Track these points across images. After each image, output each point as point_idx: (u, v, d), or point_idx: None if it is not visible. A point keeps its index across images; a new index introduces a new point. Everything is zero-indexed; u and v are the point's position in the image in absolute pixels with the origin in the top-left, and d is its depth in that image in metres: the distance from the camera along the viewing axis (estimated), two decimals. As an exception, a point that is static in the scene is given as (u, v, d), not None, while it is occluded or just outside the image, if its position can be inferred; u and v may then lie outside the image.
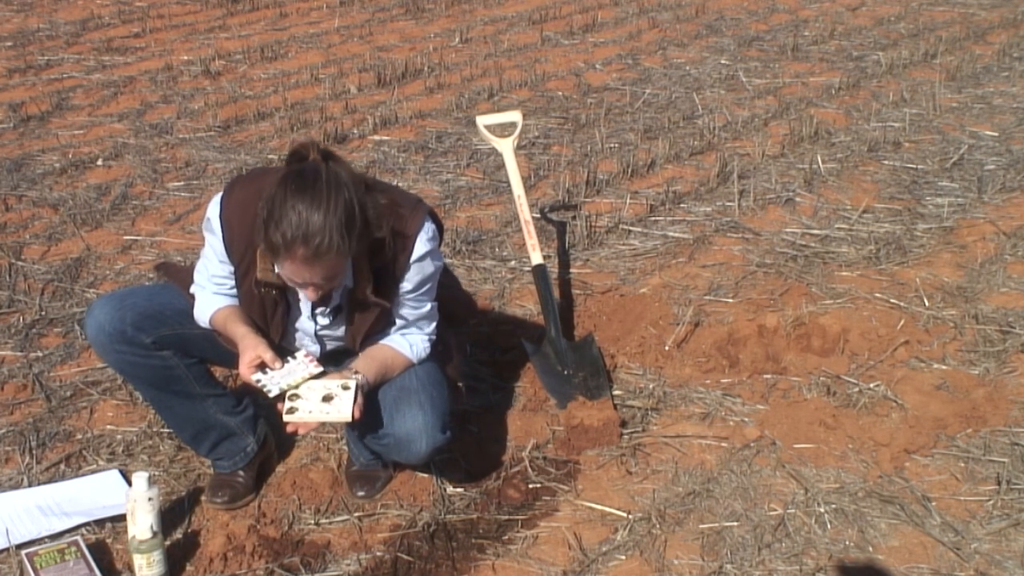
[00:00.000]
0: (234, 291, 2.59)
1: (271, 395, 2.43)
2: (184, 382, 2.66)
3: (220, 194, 2.50)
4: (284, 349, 2.74)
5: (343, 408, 2.38)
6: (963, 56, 7.11)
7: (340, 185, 2.26)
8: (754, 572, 2.65)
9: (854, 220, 4.60)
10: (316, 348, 2.69)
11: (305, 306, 2.58)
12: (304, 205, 2.21)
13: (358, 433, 2.72)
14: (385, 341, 2.64)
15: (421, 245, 2.51)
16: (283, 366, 2.46)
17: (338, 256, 2.27)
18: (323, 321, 2.60)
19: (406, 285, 2.54)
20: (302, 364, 2.48)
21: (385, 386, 2.61)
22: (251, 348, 2.45)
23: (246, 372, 2.44)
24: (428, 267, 2.56)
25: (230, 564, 2.62)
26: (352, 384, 2.42)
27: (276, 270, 2.43)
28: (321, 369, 2.48)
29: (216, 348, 2.66)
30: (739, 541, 2.74)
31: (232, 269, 2.54)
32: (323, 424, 2.45)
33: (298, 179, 2.25)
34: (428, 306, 2.66)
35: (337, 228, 2.22)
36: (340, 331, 2.64)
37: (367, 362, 2.56)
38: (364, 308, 2.54)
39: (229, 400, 2.82)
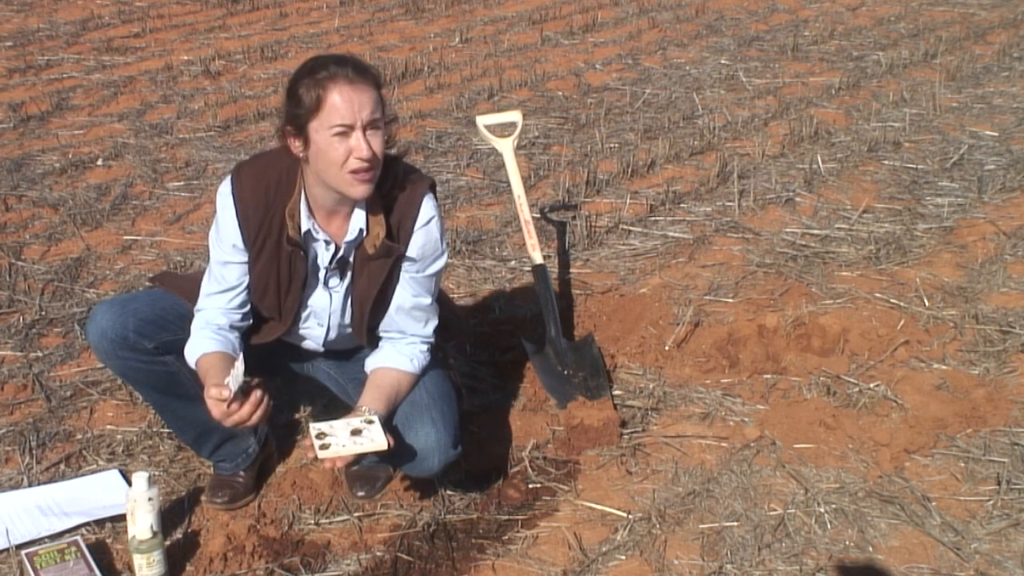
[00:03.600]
0: (239, 304, 2.60)
1: (232, 390, 2.38)
2: (186, 386, 2.66)
3: (228, 176, 2.57)
4: (291, 346, 2.75)
5: (376, 438, 2.39)
6: (963, 56, 7.11)
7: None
8: (754, 572, 2.65)
9: (854, 220, 4.60)
10: (321, 333, 2.70)
11: (322, 271, 2.59)
12: (330, 56, 2.42)
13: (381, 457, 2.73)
14: (385, 362, 2.65)
15: (426, 210, 2.56)
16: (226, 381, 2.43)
17: (375, 87, 2.39)
18: (334, 284, 2.61)
19: (410, 253, 2.58)
20: (236, 367, 2.43)
21: None
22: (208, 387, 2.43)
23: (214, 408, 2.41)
24: (433, 233, 2.58)
25: (230, 564, 2.62)
26: (374, 417, 2.44)
27: (303, 226, 2.49)
28: (242, 365, 2.43)
29: None
30: (739, 541, 2.74)
31: (244, 259, 2.56)
32: (357, 456, 2.45)
33: (313, 57, 2.46)
34: (428, 299, 2.66)
35: (365, 64, 2.42)
36: (348, 313, 2.65)
37: (374, 394, 2.56)
38: (373, 266, 2.56)
39: (231, 402, 2.82)
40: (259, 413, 2.40)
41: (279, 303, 2.60)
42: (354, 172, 2.38)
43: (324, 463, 2.42)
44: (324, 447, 2.38)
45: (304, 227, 2.51)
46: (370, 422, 2.43)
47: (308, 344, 2.76)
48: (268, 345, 2.80)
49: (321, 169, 2.41)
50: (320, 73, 2.34)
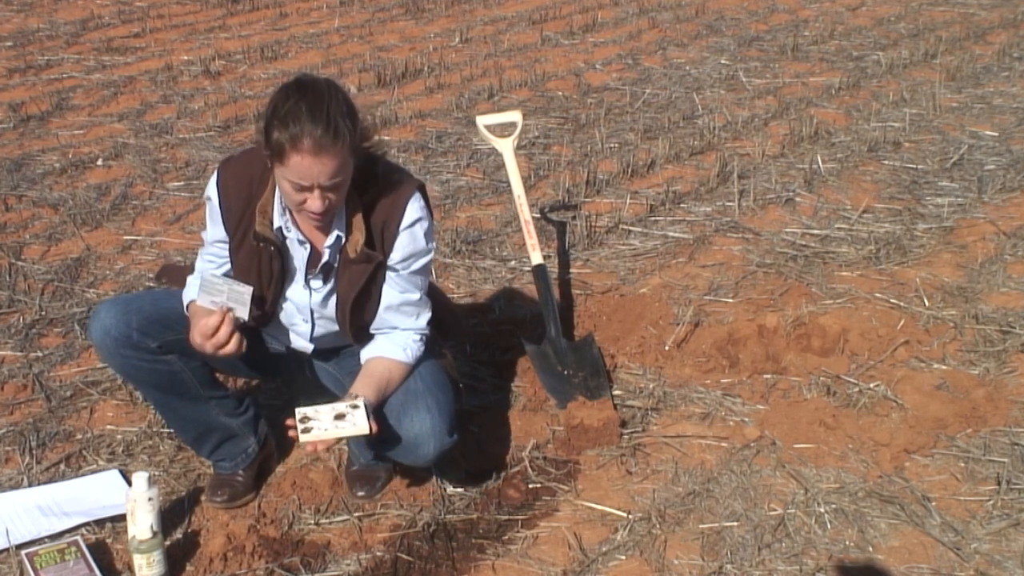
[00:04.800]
0: (225, 265, 2.64)
1: (212, 301, 2.48)
2: (188, 385, 2.67)
3: (217, 169, 2.60)
4: (288, 347, 2.75)
5: (359, 422, 2.39)
6: (963, 56, 7.11)
7: (337, 86, 2.40)
8: (754, 572, 2.65)
9: (854, 220, 4.60)
10: (307, 329, 2.70)
11: (299, 271, 2.59)
12: (307, 101, 2.30)
13: (371, 443, 2.72)
14: (378, 352, 2.64)
15: (412, 212, 2.54)
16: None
17: (344, 148, 2.32)
18: (316, 285, 2.61)
19: (394, 255, 2.56)
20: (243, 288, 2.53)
21: None
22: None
23: (197, 339, 2.49)
24: (419, 235, 2.57)
25: (230, 564, 2.62)
26: (360, 402, 2.44)
27: (275, 222, 2.50)
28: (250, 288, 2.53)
29: None
30: (739, 541, 2.74)
31: (226, 247, 2.59)
32: (339, 440, 2.45)
33: (297, 83, 2.38)
34: (416, 295, 2.65)
35: (341, 115, 2.31)
36: (331, 307, 2.64)
37: (365, 382, 2.56)
38: (354, 269, 2.55)
39: (231, 402, 2.83)
40: (235, 340, 2.47)
41: (260, 293, 2.61)
42: (307, 214, 2.42)
43: (306, 447, 2.42)
44: (306, 431, 2.37)
45: (276, 223, 2.52)
46: (355, 407, 2.41)
47: (297, 342, 2.76)
48: (267, 348, 2.81)
49: (281, 193, 2.46)
50: (291, 126, 2.27)
